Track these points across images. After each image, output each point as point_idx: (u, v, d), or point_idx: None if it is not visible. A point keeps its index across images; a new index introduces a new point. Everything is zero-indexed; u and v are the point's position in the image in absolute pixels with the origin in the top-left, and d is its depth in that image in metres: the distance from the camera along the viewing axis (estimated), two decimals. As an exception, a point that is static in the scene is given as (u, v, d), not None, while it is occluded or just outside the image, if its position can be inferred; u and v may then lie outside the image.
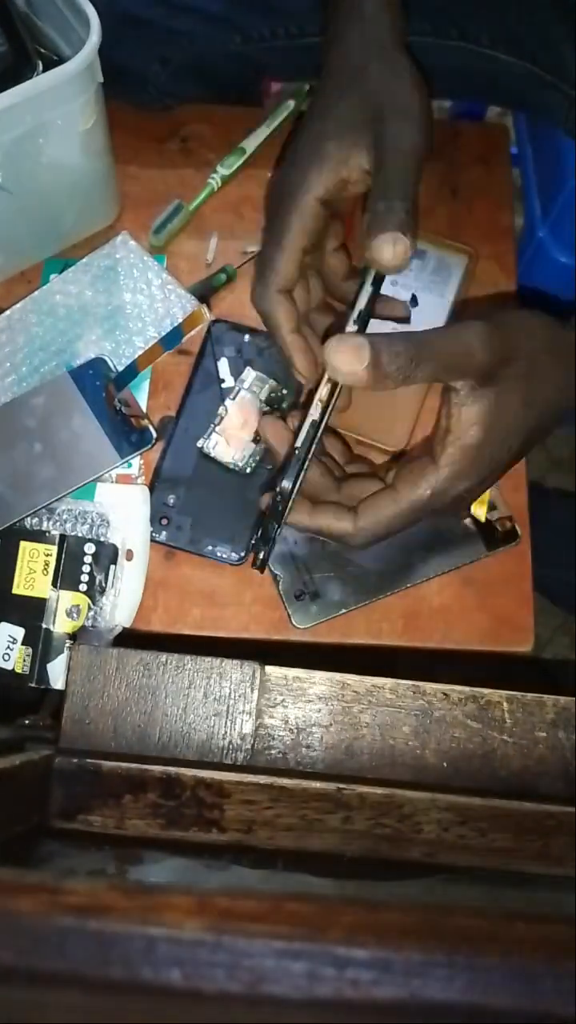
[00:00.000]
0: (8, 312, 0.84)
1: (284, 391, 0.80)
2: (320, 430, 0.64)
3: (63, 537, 0.78)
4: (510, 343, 0.61)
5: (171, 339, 0.82)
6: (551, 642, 1.58)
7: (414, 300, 0.85)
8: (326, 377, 0.63)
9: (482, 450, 0.62)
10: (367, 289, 0.64)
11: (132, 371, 0.82)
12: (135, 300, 0.85)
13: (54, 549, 0.77)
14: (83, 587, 0.77)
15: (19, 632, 0.76)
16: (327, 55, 0.70)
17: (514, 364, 0.61)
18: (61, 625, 0.76)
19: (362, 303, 0.63)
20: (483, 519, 0.80)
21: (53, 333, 0.84)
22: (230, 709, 0.63)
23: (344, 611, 0.79)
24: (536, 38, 0.82)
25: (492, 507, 0.80)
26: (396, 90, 0.65)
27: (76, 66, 0.67)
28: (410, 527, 0.66)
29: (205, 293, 0.86)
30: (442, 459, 0.62)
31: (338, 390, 0.63)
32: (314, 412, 0.63)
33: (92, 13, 0.68)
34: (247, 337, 0.84)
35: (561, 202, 1.06)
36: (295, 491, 0.63)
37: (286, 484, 0.63)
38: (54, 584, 0.77)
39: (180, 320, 0.84)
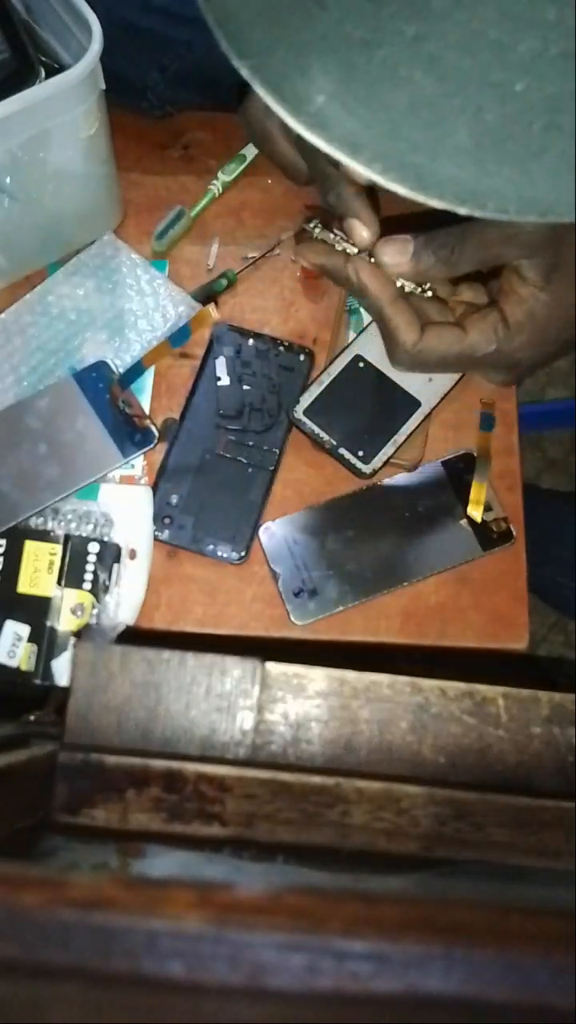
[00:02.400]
0: (3, 315, 0.85)
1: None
2: None
3: (68, 537, 0.79)
4: (563, 225, 0.59)
5: (179, 337, 0.83)
6: (545, 640, 1.59)
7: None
8: None
9: (549, 322, 0.64)
10: None
11: (138, 369, 0.82)
12: (125, 296, 0.86)
13: (59, 548, 0.78)
14: (87, 586, 0.78)
15: (25, 630, 0.77)
16: None
17: (572, 244, 0.62)
18: (66, 623, 0.77)
19: None
20: (479, 520, 0.81)
21: (49, 333, 0.85)
22: (231, 705, 0.64)
23: (342, 608, 0.80)
24: None
25: (488, 508, 0.81)
26: None
27: (78, 73, 0.67)
28: (459, 371, 0.72)
29: (206, 298, 0.87)
30: (512, 323, 0.64)
31: None
32: None
33: (94, 20, 0.68)
34: (250, 341, 0.85)
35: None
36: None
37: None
38: (59, 583, 0.78)
39: (171, 315, 0.85)
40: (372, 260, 0.66)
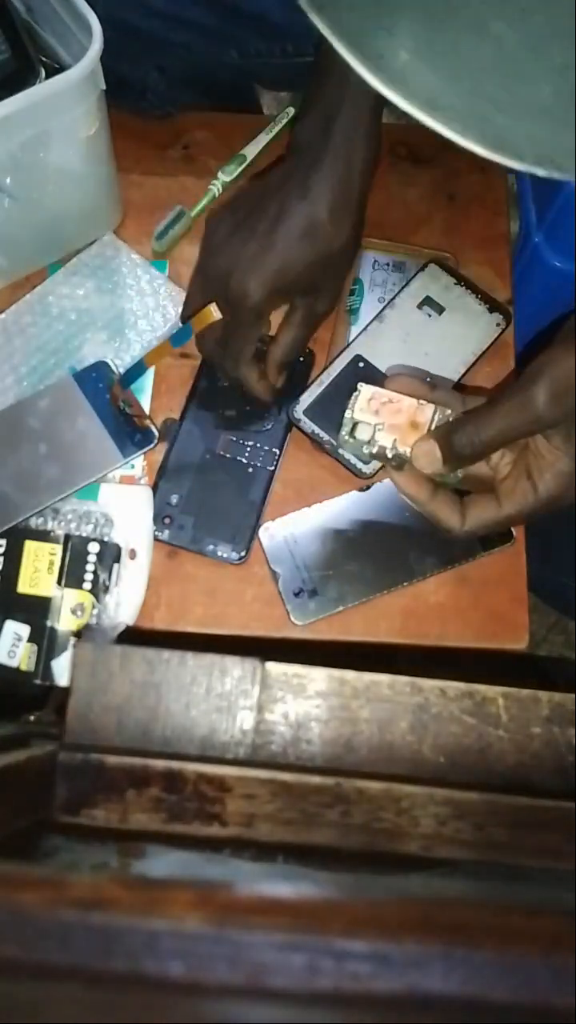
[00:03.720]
0: (3, 315, 0.85)
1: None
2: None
3: (68, 537, 0.79)
4: (574, 390, 0.63)
5: (180, 337, 0.83)
6: (545, 640, 1.58)
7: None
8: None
9: (573, 477, 0.66)
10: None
11: (139, 368, 0.83)
12: (125, 296, 0.86)
13: (59, 548, 0.78)
14: (87, 586, 0.78)
15: (25, 630, 0.77)
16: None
17: None
18: (66, 623, 0.77)
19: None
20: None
21: (49, 333, 0.85)
22: (231, 705, 0.64)
23: (342, 608, 0.80)
24: None
25: (488, 508, 0.81)
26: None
27: (79, 73, 0.67)
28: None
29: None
30: (540, 484, 0.67)
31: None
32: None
33: (94, 20, 0.68)
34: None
35: (556, 208, 1.06)
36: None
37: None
38: (59, 583, 0.78)
39: (171, 315, 0.85)
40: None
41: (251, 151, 0.90)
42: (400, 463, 0.69)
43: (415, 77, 0.36)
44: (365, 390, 0.68)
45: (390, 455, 0.68)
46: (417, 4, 0.35)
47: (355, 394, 0.69)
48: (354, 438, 0.69)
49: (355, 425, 0.68)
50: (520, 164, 0.37)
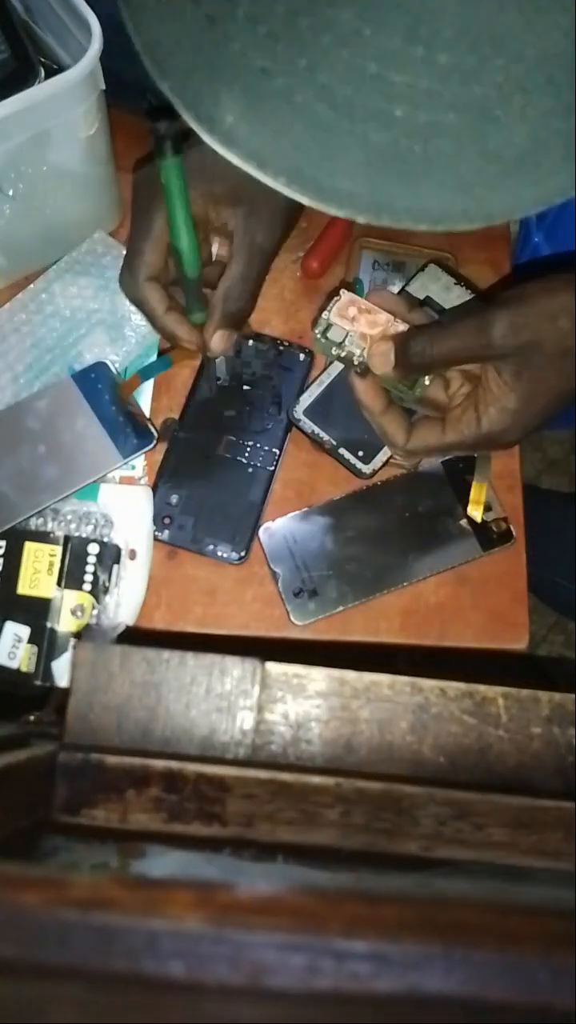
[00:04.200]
0: None
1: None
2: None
3: (67, 538, 0.79)
4: (533, 329, 0.66)
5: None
6: (545, 640, 1.58)
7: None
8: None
9: (520, 413, 0.69)
10: None
11: (164, 363, 0.82)
12: (118, 292, 0.85)
13: (58, 549, 0.78)
14: (87, 587, 0.78)
15: (25, 631, 0.77)
16: None
17: (544, 344, 0.66)
18: (66, 624, 0.77)
19: None
20: (479, 520, 0.81)
21: (44, 331, 0.85)
22: (231, 705, 0.64)
23: (342, 608, 0.80)
24: None
25: (488, 508, 0.81)
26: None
27: (79, 73, 0.67)
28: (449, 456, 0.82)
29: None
30: (484, 418, 0.69)
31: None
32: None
33: (93, 20, 0.68)
34: (250, 341, 0.85)
35: (556, 208, 1.06)
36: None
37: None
38: (59, 584, 0.78)
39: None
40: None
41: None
42: (364, 371, 0.71)
43: (241, 137, 0.42)
44: (345, 296, 0.71)
45: (356, 361, 0.71)
46: (238, 76, 0.41)
47: (336, 298, 0.71)
48: (326, 338, 0.71)
49: (329, 326, 0.71)
50: (342, 213, 0.42)
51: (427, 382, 0.72)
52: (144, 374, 0.82)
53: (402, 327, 0.70)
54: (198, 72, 0.42)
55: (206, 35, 0.42)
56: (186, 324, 0.75)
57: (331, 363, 0.84)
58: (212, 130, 0.42)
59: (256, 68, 0.41)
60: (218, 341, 0.76)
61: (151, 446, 0.82)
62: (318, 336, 0.71)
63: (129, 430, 0.82)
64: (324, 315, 0.71)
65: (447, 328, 0.68)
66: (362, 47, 0.39)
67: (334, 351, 0.71)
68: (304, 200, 0.42)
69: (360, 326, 0.70)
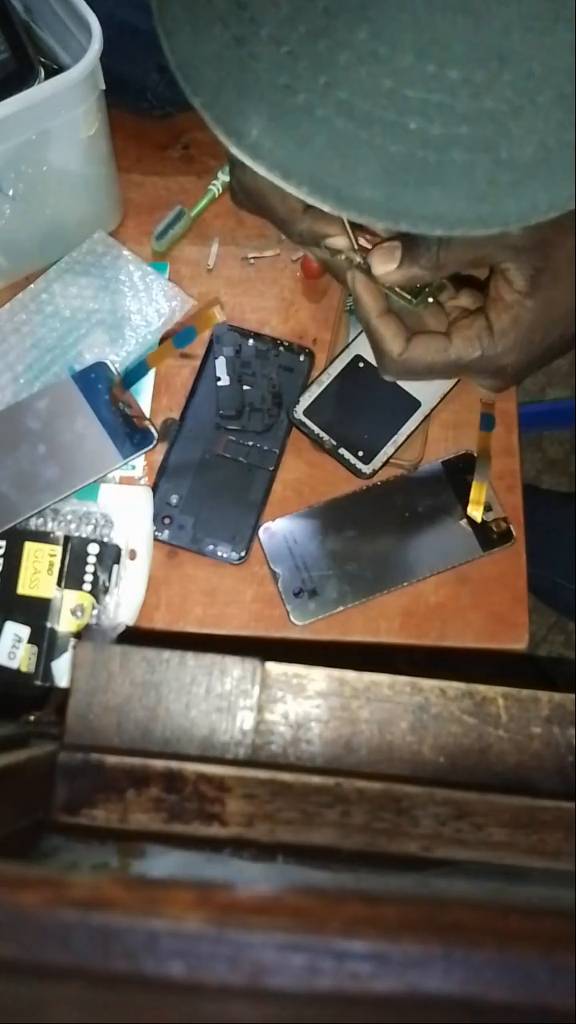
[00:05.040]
0: None
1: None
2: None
3: (67, 538, 0.79)
4: (554, 227, 0.61)
5: (183, 338, 0.83)
6: (545, 640, 1.59)
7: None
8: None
9: (534, 328, 0.66)
10: None
11: (142, 368, 0.83)
12: (119, 292, 0.86)
13: (58, 550, 0.78)
14: (87, 587, 0.78)
15: (25, 631, 0.77)
16: None
17: (560, 249, 0.64)
18: (66, 624, 0.77)
19: None
20: (479, 520, 0.81)
21: (43, 331, 0.85)
22: (231, 705, 0.64)
23: (342, 608, 0.80)
24: None
25: (488, 508, 0.81)
26: None
27: (79, 73, 0.67)
28: (448, 378, 0.76)
29: None
30: (496, 329, 0.66)
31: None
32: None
33: (93, 20, 0.68)
34: (250, 341, 0.85)
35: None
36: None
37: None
38: (59, 584, 0.78)
39: (165, 311, 0.85)
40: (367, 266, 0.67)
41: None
42: (367, 270, 0.67)
43: (266, 149, 0.45)
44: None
45: (359, 258, 0.67)
46: (262, 93, 0.44)
47: None
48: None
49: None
50: (362, 218, 0.45)
51: (430, 300, 0.69)
52: (126, 381, 0.83)
53: None
54: (226, 89, 0.45)
55: (233, 55, 0.45)
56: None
57: (331, 363, 0.84)
58: (239, 143, 0.45)
59: (279, 85, 0.44)
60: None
61: (151, 446, 0.82)
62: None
63: (129, 430, 0.82)
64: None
65: None
66: (377, 65, 0.42)
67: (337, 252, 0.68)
68: (326, 207, 0.45)
69: (360, 239, 0.67)
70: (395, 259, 0.65)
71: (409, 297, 0.69)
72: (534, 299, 0.65)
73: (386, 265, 0.65)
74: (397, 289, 0.69)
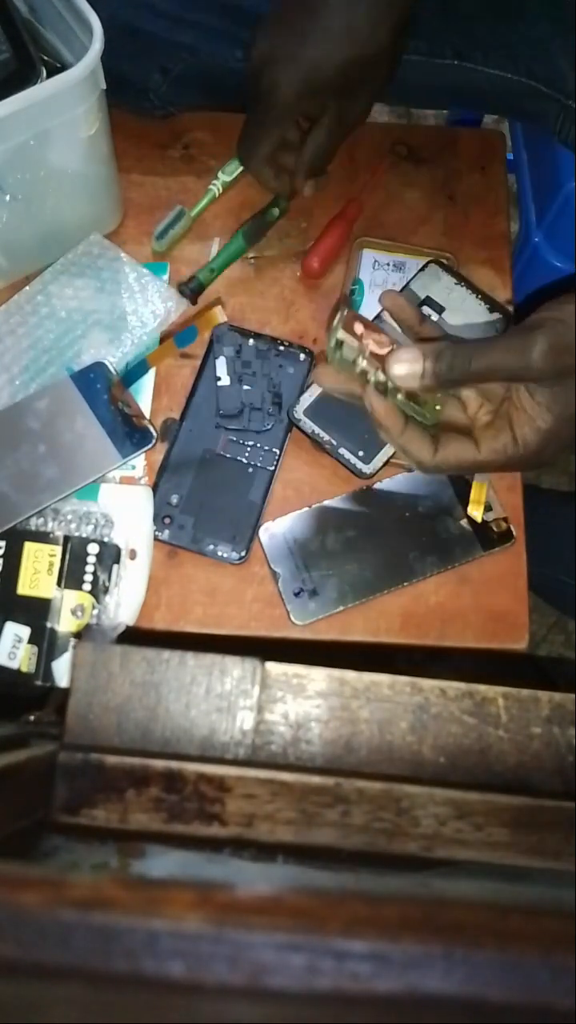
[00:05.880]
0: None
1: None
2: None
3: (67, 538, 0.79)
4: (570, 355, 0.63)
5: (185, 338, 0.83)
6: (545, 640, 1.58)
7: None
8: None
9: (556, 434, 0.66)
10: None
11: (142, 367, 0.83)
12: (115, 293, 0.86)
13: (58, 550, 0.78)
14: (87, 587, 0.78)
15: (25, 631, 0.77)
16: None
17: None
18: (66, 624, 0.77)
19: None
20: (479, 520, 0.81)
21: (40, 332, 0.85)
22: (231, 705, 0.64)
23: (342, 608, 0.80)
24: (531, 50, 0.83)
25: (488, 508, 0.81)
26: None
27: (79, 72, 0.67)
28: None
29: (258, 230, 0.89)
30: (520, 439, 0.66)
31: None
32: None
33: (95, 20, 0.68)
34: (250, 341, 0.85)
35: (556, 207, 1.07)
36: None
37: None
38: (59, 584, 0.78)
39: (161, 312, 0.85)
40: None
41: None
42: (384, 389, 0.67)
43: None
44: (348, 312, 0.68)
45: (371, 379, 0.67)
46: None
47: (340, 313, 0.68)
48: (342, 356, 0.68)
49: (341, 344, 0.67)
50: None
51: (437, 408, 0.70)
52: (126, 380, 0.83)
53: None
54: None
55: None
56: (285, 185, 0.85)
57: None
58: None
59: None
60: (308, 189, 0.84)
61: (150, 445, 0.82)
62: (333, 354, 0.68)
63: (128, 430, 0.82)
64: (334, 332, 0.67)
65: (486, 344, 0.65)
66: None
67: (352, 365, 0.68)
68: None
69: (369, 345, 0.67)
70: (416, 372, 0.65)
71: (422, 407, 0.68)
72: (555, 412, 0.66)
73: (408, 378, 0.66)
74: (411, 404, 0.69)
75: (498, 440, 0.68)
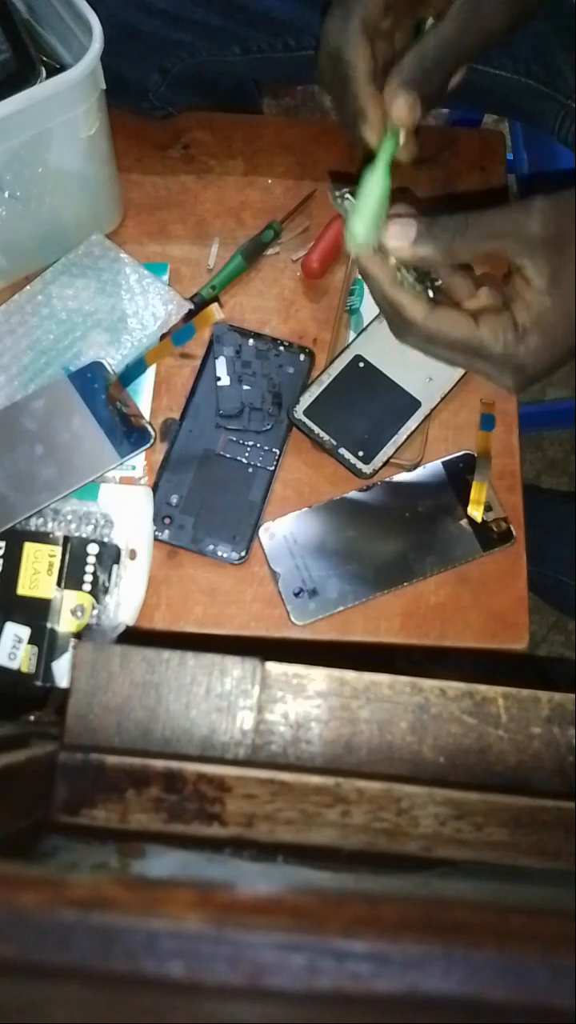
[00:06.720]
0: None
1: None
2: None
3: (67, 538, 0.79)
4: (566, 220, 0.61)
5: (182, 336, 0.83)
6: (545, 640, 1.59)
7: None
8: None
9: (557, 326, 0.64)
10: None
11: (140, 366, 0.83)
12: (116, 295, 0.86)
13: (58, 550, 0.78)
14: (87, 587, 0.78)
15: (25, 632, 0.77)
16: None
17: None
18: (66, 624, 0.77)
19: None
20: (479, 520, 0.81)
21: (39, 333, 0.85)
22: (231, 705, 0.64)
23: (342, 608, 0.80)
24: (531, 50, 0.83)
25: (488, 508, 0.81)
26: None
27: (79, 72, 0.67)
28: (462, 366, 0.68)
29: (256, 250, 0.88)
30: (521, 327, 0.63)
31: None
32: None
33: (94, 20, 0.68)
34: (250, 341, 0.85)
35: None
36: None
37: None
38: (58, 584, 0.78)
39: (161, 314, 0.85)
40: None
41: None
42: (376, 249, 0.65)
43: None
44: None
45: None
46: None
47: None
48: (346, 198, 0.65)
49: (344, 192, 0.65)
50: None
51: (430, 294, 0.66)
52: (124, 379, 0.83)
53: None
54: None
55: None
56: (380, 108, 0.65)
57: (331, 363, 0.84)
58: None
59: None
60: (402, 106, 0.63)
61: (148, 445, 0.82)
62: (336, 199, 0.66)
63: (126, 429, 0.82)
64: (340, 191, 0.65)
65: (485, 211, 0.62)
66: None
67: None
68: None
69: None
70: (410, 236, 0.62)
71: (415, 280, 0.66)
72: (554, 297, 0.63)
73: (400, 240, 0.63)
74: (403, 270, 0.66)
75: (498, 320, 0.64)
